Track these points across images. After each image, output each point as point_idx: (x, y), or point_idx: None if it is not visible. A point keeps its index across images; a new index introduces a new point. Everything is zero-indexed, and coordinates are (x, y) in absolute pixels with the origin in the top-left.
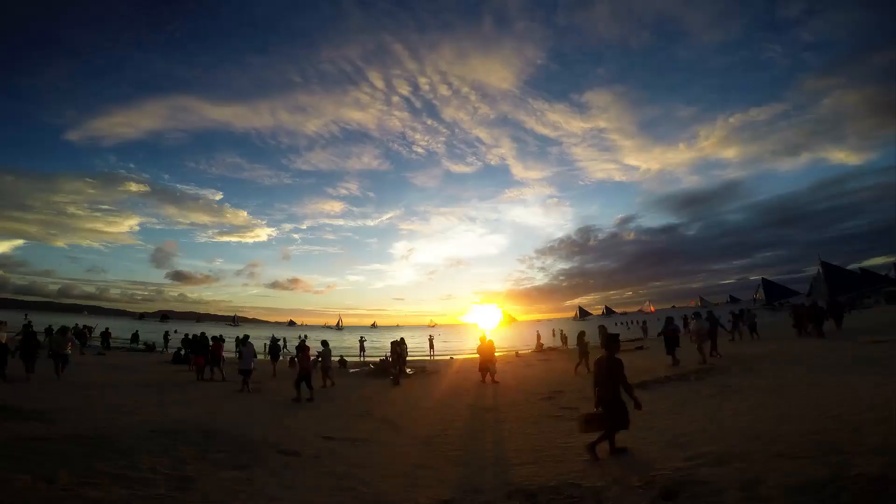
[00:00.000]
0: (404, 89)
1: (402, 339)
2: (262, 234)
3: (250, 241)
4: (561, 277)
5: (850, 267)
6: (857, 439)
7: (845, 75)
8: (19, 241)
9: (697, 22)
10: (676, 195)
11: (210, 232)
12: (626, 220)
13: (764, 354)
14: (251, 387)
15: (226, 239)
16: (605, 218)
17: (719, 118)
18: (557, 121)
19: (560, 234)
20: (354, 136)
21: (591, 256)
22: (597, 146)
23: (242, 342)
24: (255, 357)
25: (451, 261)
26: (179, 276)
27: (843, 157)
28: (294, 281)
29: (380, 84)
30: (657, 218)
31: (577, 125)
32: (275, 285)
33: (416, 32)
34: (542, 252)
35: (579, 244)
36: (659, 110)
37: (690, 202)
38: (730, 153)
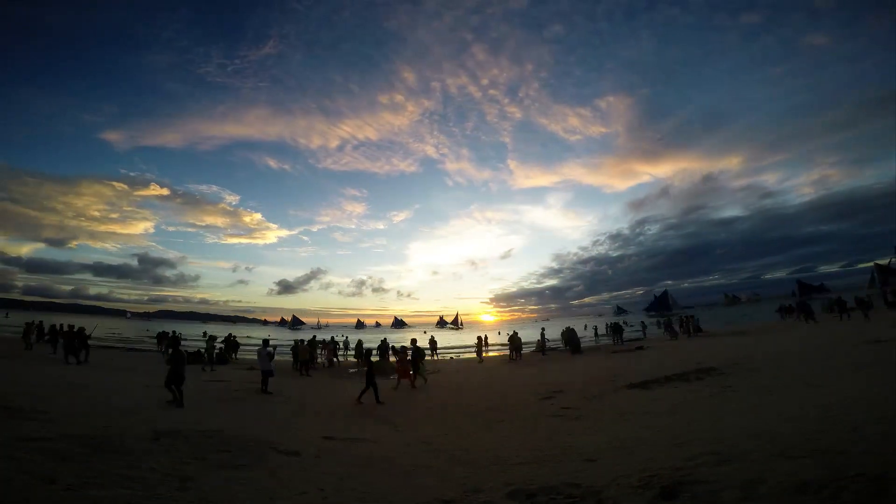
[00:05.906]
0: (437, 90)
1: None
2: (272, 236)
3: (260, 242)
4: (585, 275)
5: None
6: (857, 439)
7: None
8: (41, 245)
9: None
10: (757, 186)
11: (220, 234)
12: (690, 210)
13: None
14: (265, 389)
15: (234, 241)
16: (664, 209)
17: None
18: (574, 124)
19: (612, 229)
20: (384, 138)
21: (631, 252)
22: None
23: (263, 344)
24: (271, 358)
25: (469, 261)
26: (288, 288)
27: None
28: (379, 290)
29: (413, 84)
30: (727, 209)
31: (590, 128)
32: (355, 295)
33: (451, 33)
34: (585, 248)
35: (629, 239)
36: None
37: (768, 195)
38: (834, 138)
